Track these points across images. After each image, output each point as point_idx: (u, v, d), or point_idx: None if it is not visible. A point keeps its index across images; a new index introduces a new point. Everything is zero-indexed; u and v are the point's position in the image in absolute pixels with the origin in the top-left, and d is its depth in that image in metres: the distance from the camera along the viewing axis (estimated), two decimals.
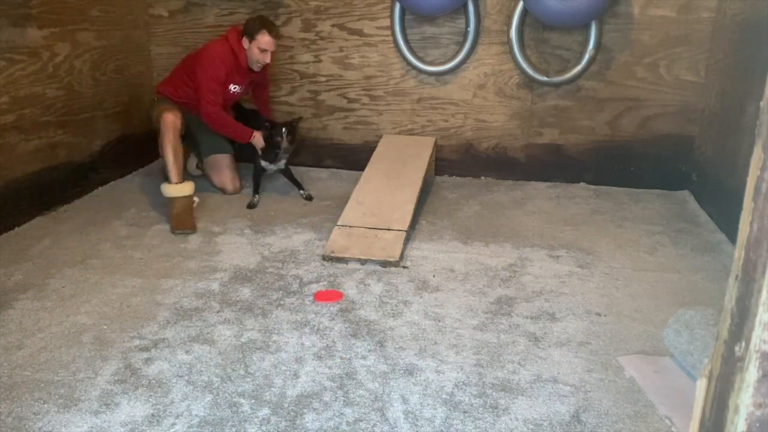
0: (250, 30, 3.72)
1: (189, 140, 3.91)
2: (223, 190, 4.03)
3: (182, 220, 3.43)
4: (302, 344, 2.38)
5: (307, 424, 1.94)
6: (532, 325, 2.53)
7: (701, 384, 1.01)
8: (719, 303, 1.00)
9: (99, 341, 2.39)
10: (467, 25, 4.12)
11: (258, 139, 3.90)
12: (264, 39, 3.70)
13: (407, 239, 3.28)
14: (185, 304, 2.67)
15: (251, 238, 3.38)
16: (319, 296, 2.77)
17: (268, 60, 3.80)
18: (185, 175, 3.69)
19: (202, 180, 4.07)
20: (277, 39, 3.78)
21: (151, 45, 4.63)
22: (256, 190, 3.94)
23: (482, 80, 4.28)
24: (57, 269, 2.97)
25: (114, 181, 4.25)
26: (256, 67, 3.85)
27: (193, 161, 4.25)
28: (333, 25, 4.36)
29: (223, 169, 4.02)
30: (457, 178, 4.48)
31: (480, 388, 2.13)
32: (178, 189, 3.50)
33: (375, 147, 4.23)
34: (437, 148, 4.34)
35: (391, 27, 4.21)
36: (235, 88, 3.92)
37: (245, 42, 3.74)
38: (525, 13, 3.98)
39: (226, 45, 3.78)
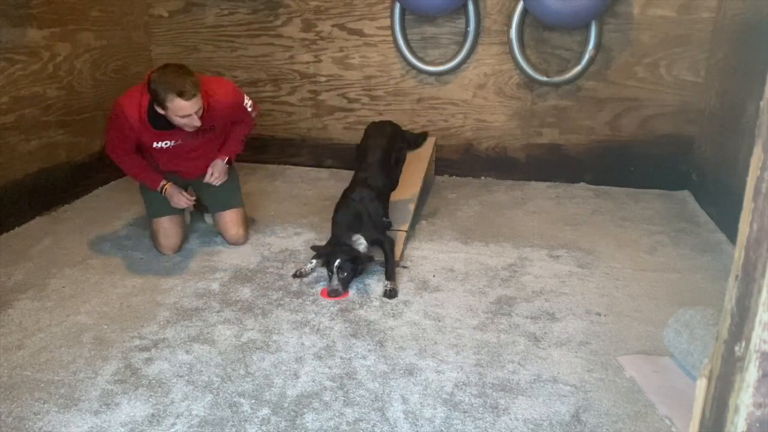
0: (156, 97, 2.71)
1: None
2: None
3: None
4: (302, 344, 2.38)
5: (307, 424, 1.94)
6: (532, 325, 2.53)
7: (701, 384, 1.01)
8: (719, 303, 1.00)
9: (99, 341, 2.39)
10: (467, 25, 4.11)
11: (170, 191, 3.07)
12: (178, 106, 2.69)
13: (407, 239, 3.29)
14: (185, 304, 2.67)
15: (251, 238, 3.38)
16: (325, 293, 2.77)
17: (197, 123, 2.81)
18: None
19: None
20: (196, 96, 2.71)
21: (151, 45, 4.63)
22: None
23: (482, 80, 4.28)
24: (57, 269, 2.97)
25: (114, 181, 4.25)
26: (189, 129, 2.86)
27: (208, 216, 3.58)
28: (333, 25, 4.36)
29: (158, 232, 3.18)
30: (457, 178, 4.47)
31: (480, 388, 2.13)
32: None
33: None
34: (437, 148, 4.33)
35: (391, 27, 4.21)
36: (165, 143, 3.00)
37: (158, 108, 2.77)
38: (525, 13, 3.98)
39: (144, 98, 2.82)
